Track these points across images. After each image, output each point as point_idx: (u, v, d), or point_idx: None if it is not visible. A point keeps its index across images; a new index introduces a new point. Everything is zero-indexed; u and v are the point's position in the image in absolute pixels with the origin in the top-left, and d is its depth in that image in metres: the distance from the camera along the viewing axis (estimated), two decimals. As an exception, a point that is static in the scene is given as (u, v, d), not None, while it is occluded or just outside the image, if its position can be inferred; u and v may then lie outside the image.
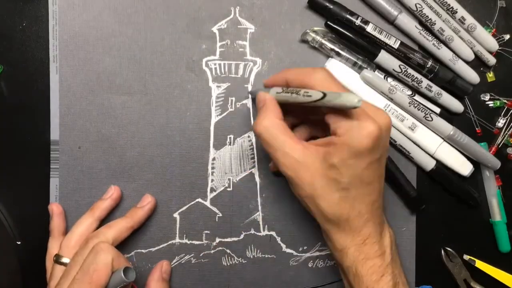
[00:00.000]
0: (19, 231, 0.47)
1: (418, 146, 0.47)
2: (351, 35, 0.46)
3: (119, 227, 0.44)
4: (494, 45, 0.48)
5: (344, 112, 0.36)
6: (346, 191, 0.37)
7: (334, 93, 0.34)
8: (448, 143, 0.48)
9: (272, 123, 0.38)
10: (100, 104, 0.46)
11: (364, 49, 0.46)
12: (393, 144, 0.47)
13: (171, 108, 0.47)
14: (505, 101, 0.49)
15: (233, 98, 0.47)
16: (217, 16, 0.47)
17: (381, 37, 0.46)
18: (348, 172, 0.36)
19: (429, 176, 0.48)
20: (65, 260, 0.42)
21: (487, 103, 0.49)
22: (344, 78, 0.46)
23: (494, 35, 0.48)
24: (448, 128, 0.47)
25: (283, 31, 0.47)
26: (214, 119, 0.47)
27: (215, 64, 0.47)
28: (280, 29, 0.47)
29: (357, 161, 0.36)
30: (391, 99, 0.47)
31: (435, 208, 0.49)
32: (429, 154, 0.48)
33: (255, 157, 0.48)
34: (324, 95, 0.34)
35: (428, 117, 0.46)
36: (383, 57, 0.46)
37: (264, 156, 0.48)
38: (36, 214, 0.46)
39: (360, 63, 0.46)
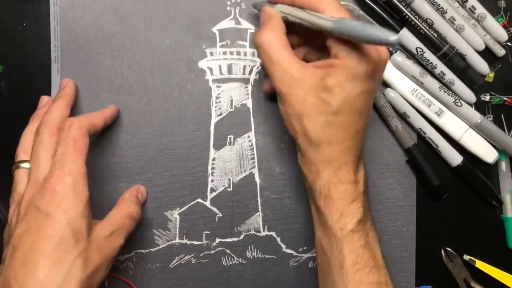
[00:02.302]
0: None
1: (444, 133, 0.48)
2: (375, 7, 0.46)
3: (58, 107, 0.42)
4: (503, 35, 0.48)
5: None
6: (334, 115, 0.37)
7: (365, 25, 0.32)
8: (474, 130, 0.48)
9: (275, 36, 0.38)
10: (101, 104, 0.46)
11: (387, 24, 0.46)
12: (422, 137, 0.48)
13: (171, 108, 0.47)
14: (505, 98, 0.49)
15: (233, 98, 0.47)
16: (217, 16, 0.47)
17: (407, 10, 0.46)
18: (341, 95, 0.36)
19: (454, 171, 0.49)
20: (25, 165, 0.40)
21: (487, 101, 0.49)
22: None
23: (504, 27, 0.48)
24: (476, 115, 0.47)
25: (283, 32, 0.47)
26: (214, 119, 0.47)
27: (215, 64, 0.47)
28: (280, 30, 0.47)
29: (353, 85, 0.36)
30: (421, 83, 0.47)
31: (435, 208, 0.49)
32: (454, 141, 0.48)
33: (255, 158, 0.48)
34: (352, 24, 0.33)
35: (457, 102, 0.47)
36: (405, 35, 0.46)
37: (264, 156, 0.48)
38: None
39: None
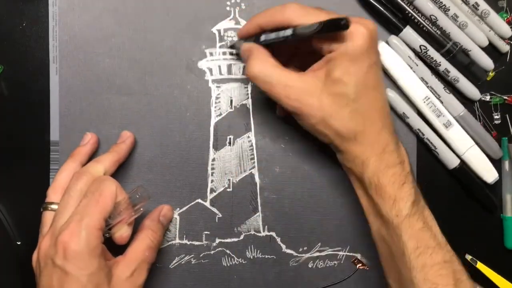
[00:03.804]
0: (19, 231, 0.47)
1: (447, 145, 0.48)
2: (378, 6, 0.46)
3: (107, 160, 0.43)
4: (507, 31, 0.48)
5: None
6: (355, 103, 0.37)
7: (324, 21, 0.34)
8: (480, 146, 0.48)
9: (264, 63, 0.38)
10: (100, 105, 0.46)
11: (389, 23, 0.46)
12: (420, 138, 0.48)
13: (171, 108, 0.47)
14: (506, 97, 0.49)
15: (233, 99, 0.47)
16: (217, 16, 0.47)
17: (410, 8, 0.46)
18: (352, 80, 0.36)
19: (451, 174, 0.49)
20: (54, 206, 0.41)
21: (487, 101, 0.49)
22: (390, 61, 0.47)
23: (508, 23, 0.48)
24: (460, 107, 0.47)
25: (283, 32, 0.47)
26: (214, 119, 0.47)
27: (214, 65, 0.47)
28: (280, 30, 0.47)
29: (358, 66, 0.36)
30: (416, 65, 0.47)
31: (435, 209, 0.49)
32: (456, 155, 0.48)
33: (255, 158, 0.47)
34: (319, 24, 0.35)
35: (446, 89, 0.47)
36: (408, 33, 0.46)
37: (264, 156, 0.47)
38: (36, 214, 0.46)
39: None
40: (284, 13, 0.38)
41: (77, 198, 0.39)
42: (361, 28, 0.36)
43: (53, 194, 0.42)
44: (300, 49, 0.42)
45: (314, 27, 0.35)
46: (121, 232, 0.40)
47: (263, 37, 0.39)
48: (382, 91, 0.39)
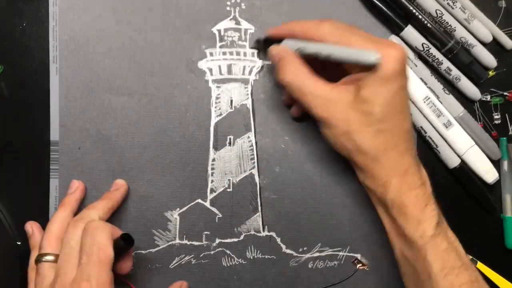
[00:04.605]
0: (19, 231, 0.47)
1: (448, 144, 0.48)
2: (380, 4, 0.46)
3: (101, 207, 0.43)
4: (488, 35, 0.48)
5: None
6: (380, 123, 0.37)
7: (354, 52, 0.36)
8: (479, 147, 0.48)
9: (296, 70, 0.39)
10: (100, 105, 0.46)
11: (391, 22, 0.47)
12: (422, 136, 0.48)
13: (171, 108, 0.47)
14: (506, 93, 0.49)
15: (233, 99, 0.47)
16: (217, 16, 0.47)
17: (411, 7, 0.46)
18: (380, 101, 0.37)
19: (451, 173, 0.49)
20: (50, 257, 0.40)
21: (487, 100, 0.49)
22: None
23: None
24: (459, 108, 0.47)
25: (283, 32, 0.47)
26: (214, 119, 0.47)
27: (215, 65, 0.47)
28: (280, 30, 0.47)
29: (387, 87, 0.36)
30: (415, 65, 0.47)
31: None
32: (457, 155, 0.48)
33: (255, 158, 0.47)
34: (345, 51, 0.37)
35: (446, 90, 0.47)
36: (409, 32, 0.46)
37: (264, 156, 0.47)
38: (36, 214, 0.46)
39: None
40: (319, 29, 0.38)
41: (79, 249, 0.39)
42: (393, 52, 0.36)
43: (48, 245, 0.41)
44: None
45: (339, 54, 0.37)
46: (124, 266, 0.42)
47: (299, 44, 0.40)
48: (408, 114, 0.39)
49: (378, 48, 0.36)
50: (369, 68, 0.36)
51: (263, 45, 0.44)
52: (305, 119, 0.47)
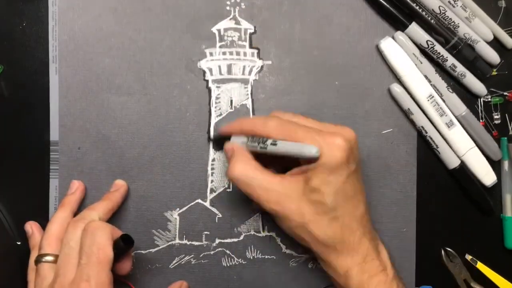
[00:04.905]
0: (19, 231, 0.47)
1: (448, 144, 0.48)
2: (384, 2, 0.46)
3: (101, 208, 0.43)
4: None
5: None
6: (333, 211, 0.37)
7: (294, 146, 0.37)
8: (479, 148, 0.48)
9: (245, 165, 0.39)
10: (100, 105, 0.46)
11: (395, 19, 0.47)
12: (422, 135, 0.48)
13: (170, 108, 0.47)
14: (506, 93, 0.49)
15: (233, 99, 0.47)
16: (217, 16, 0.47)
17: (414, 5, 0.46)
18: (330, 190, 0.37)
19: (450, 174, 0.49)
20: (49, 258, 0.40)
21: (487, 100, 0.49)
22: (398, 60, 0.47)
23: None
24: (462, 107, 0.47)
25: (283, 31, 0.47)
26: (214, 119, 0.47)
27: (214, 65, 0.47)
28: (280, 29, 0.47)
29: (335, 176, 0.37)
30: (420, 62, 0.47)
31: (435, 208, 0.49)
32: (456, 155, 0.48)
33: (255, 158, 0.47)
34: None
35: (449, 89, 0.47)
36: (414, 29, 0.46)
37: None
38: (36, 214, 0.46)
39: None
40: (265, 126, 0.39)
41: (78, 249, 0.39)
42: (337, 140, 0.37)
43: (48, 245, 0.41)
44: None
45: (282, 148, 0.38)
46: (124, 267, 0.42)
47: (244, 140, 0.41)
48: (361, 198, 0.39)
49: (322, 139, 0.37)
50: (312, 161, 0.37)
51: (217, 142, 0.45)
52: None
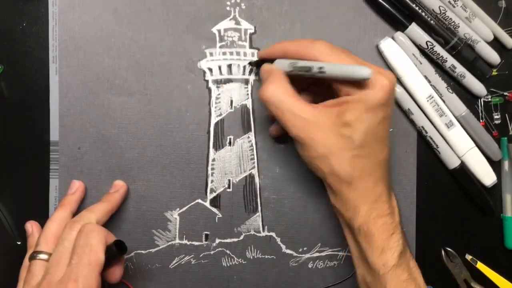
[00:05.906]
0: (19, 231, 0.47)
1: (448, 145, 0.48)
2: (384, 3, 0.46)
3: (100, 210, 0.43)
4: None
5: None
6: (359, 149, 0.37)
7: (347, 67, 0.36)
8: (479, 148, 0.48)
9: (279, 87, 0.38)
10: (100, 105, 0.46)
11: (395, 20, 0.47)
12: (422, 136, 0.48)
13: (170, 108, 0.47)
14: (506, 93, 0.49)
15: (233, 99, 0.47)
16: (217, 16, 0.47)
17: (414, 6, 0.46)
18: (362, 128, 0.36)
19: (450, 174, 0.49)
20: (43, 256, 0.40)
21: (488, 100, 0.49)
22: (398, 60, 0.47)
23: None
24: (462, 107, 0.47)
25: (283, 31, 0.47)
26: (214, 119, 0.47)
27: (215, 65, 0.47)
28: (280, 29, 0.47)
29: (372, 115, 0.36)
30: (420, 63, 0.47)
31: (435, 208, 0.49)
32: (457, 155, 0.48)
33: (255, 158, 0.47)
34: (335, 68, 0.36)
35: (449, 89, 0.47)
36: (414, 30, 0.46)
37: (264, 157, 0.47)
38: (36, 214, 0.46)
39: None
40: (312, 48, 0.38)
41: (71, 249, 0.39)
42: (383, 80, 0.36)
43: (44, 243, 0.41)
44: (318, 81, 0.42)
45: (331, 71, 0.36)
46: (114, 274, 0.41)
47: (288, 63, 0.39)
48: (388, 144, 0.39)
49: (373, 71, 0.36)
50: (358, 86, 0.36)
51: (255, 67, 0.45)
52: (285, 141, 0.47)
